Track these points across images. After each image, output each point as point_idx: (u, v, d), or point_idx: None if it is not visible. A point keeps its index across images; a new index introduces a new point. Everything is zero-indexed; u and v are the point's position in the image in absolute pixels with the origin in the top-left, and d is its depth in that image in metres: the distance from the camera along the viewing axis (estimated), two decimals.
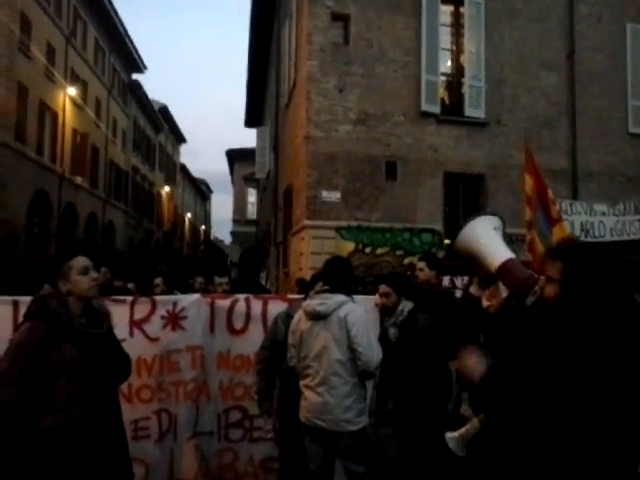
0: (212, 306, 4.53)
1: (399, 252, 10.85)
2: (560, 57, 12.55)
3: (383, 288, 4.10)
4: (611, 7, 12.89)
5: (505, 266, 2.38)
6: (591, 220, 8.50)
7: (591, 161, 12.40)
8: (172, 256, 38.74)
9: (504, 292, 2.84)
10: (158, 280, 6.04)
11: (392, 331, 3.97)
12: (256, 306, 4.59)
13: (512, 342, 2.15)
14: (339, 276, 3.84)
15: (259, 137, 21.24)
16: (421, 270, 4.95)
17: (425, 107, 11.73)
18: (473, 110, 12.04)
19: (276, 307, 4.48)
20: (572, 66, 12.51)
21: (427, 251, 9.47)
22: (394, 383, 3.86)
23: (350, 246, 10.69)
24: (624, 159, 12.52)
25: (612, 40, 12.79)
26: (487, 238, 2.55)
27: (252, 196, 36.56)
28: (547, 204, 5.44)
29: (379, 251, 10.88)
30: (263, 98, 24.35)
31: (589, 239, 8.01)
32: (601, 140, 12.50)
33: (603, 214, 8.60)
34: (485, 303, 3.51)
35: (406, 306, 4.05)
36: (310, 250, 10.69)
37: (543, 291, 2.04)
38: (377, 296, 4.20)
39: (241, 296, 4.67)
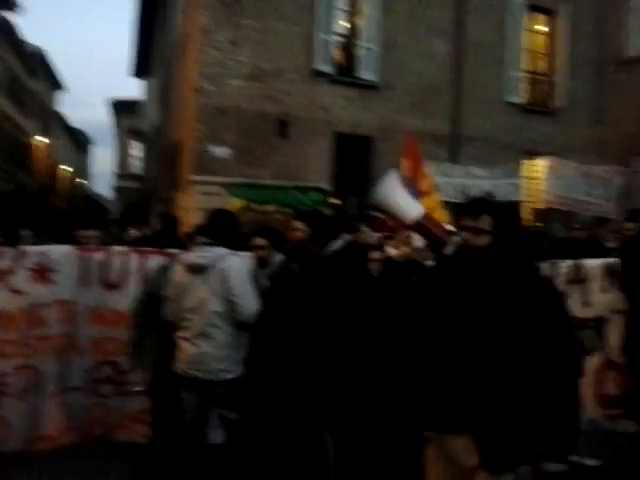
0: (85, 259, 4.37)
1: (288, 210, 10.87)
2: (450, 25, 12.94)
3: (258, 240, 4.09)
4: None
5: (423, 220, 2.67)
6: (469, 183, 8.98)
7: (472, 127, 13.03)
8: (47, 210, 36.19)
9: (418, 242, 3.08)
10: (25, 232, 5.61)
11: (263, 282, 4.02)
12: (134, 260, 4.49)
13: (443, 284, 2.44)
14: (222, 229, 3.77)
15: (147, 88, 20.21)
16: (298, 229, 4.82)
17: (318, 66, 11.69)
18: (366, 72, 12.18)
19: (156, 261, 4.36)
20: (460, 35, 12.96)
21: (302, 210, 9.21)
22: (262, 332, 3.90)
23: (239, 203, 10.56)
24: (500, 126, 13.26)
25: (496, 12, 13.36)
26: (401, 195, 2.83)
27: (137, 149, 34.71)
28: (416, 181, 6.05)
29: (268, 208, 10.86)
30: (152, 47, 23.05)
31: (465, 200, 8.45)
32: (482, 107, 13.14)
33: (479, 177, 9.11)
34: (392, 252, 3.69)
35: (278, 258, 4.10)
36: (196, 206, 10.43)
37: (469, 241, 2.33)
38: None
39: (118, 249, 4.56)
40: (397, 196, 2.80)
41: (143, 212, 9.84)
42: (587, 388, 3.70)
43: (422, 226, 2.67)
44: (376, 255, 4.85)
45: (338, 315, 3.55)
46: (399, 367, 4.95)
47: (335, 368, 3.42)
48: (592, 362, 3.84)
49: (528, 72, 14.17)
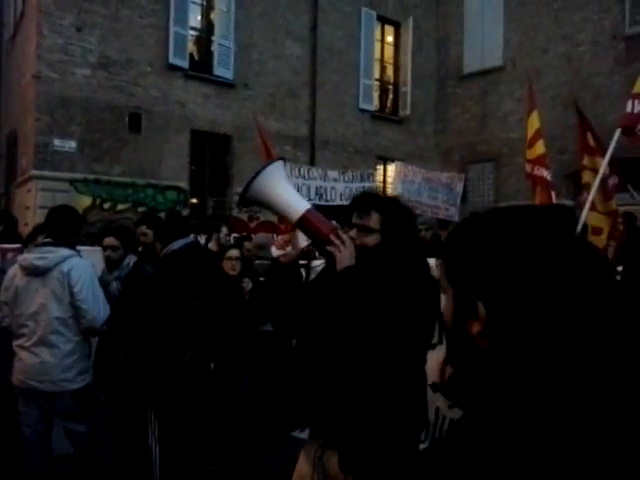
0: None
1: (142, 209, 10.36)
2: (305, 29, 13.17)
3: (110, 241, 3.87)
4: None
5: (306, 217, 2.35)
6: (325, 185, 9.20)
7: (327, 131, 13.41)
8: None
9: (303, 242, 2.90)
10: None
11: (115, 285, 3.79)
12: None
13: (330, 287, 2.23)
14: (64, 227, 3.48)
15: None
16: (145, 235, 4.56)
17: (173, 60, 11.29)
18: (222, 70, 11.99)
19: None
20: (315, 40, 13.25)
21: (147, 213, 8.40)
22: (113, 337, 3.68)
23: (87, 201, 9.88)
24: (354, 131, 13.82)
25: (349, 20, 13.86)
26: (283, 187, 2.47)
27: None
28: None
29: (120, 207, 10.27)
30: None
31: (322, 203, 8.66)
32: (337, 112, 13.59)
33: (335, 180, 9.38)
34: (276, 252, 3.58)
35: (131, 260, 3.93)
36: (38, 204, 9.59)
37: (357, 240, 2.19)
38: None
39: None
40: (282, 189, 2.46)
41: None
42: (434, 380, 3.93)
43: (308, 222, 2.36)
44: (234, 254, 4.79)
45: (168, 317, 3.40)
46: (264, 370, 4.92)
47: (163, 371, 3.28)
48: (438, 354, 4.09)
49: (379, 81, 14.90)
